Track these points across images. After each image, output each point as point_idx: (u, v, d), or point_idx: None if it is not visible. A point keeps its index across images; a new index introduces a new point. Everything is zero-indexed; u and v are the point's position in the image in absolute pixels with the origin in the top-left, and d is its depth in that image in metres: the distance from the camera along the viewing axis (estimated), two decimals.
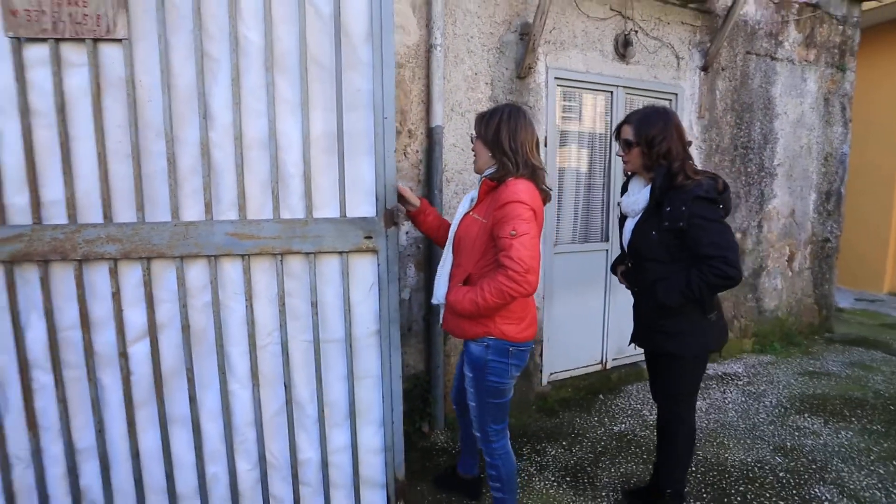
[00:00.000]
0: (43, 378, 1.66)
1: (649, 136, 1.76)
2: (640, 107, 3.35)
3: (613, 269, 2.16)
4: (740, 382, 3.49)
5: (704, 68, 3.53)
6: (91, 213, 1.61)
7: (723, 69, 3.66)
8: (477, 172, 1.81)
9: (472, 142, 1.81)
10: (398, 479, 1.84)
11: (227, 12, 1.56)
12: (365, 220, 1.68)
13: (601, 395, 3.27)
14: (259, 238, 1.65)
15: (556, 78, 3.00)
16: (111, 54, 1.55)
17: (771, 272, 4.19)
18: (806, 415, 3.02)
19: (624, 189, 2.00)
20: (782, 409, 3.09)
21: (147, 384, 1.70)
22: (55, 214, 1.60)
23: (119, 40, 1.53)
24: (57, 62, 1.53)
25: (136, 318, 1.67)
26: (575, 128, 3.18)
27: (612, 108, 3.24)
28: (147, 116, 1.58)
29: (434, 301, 1.84)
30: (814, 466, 2.48)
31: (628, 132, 1.84)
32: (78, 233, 1.59)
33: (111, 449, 1.72)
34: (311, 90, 1.63)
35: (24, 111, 1.53)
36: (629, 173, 1.96)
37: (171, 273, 1.66)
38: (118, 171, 1.60)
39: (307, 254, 1.68)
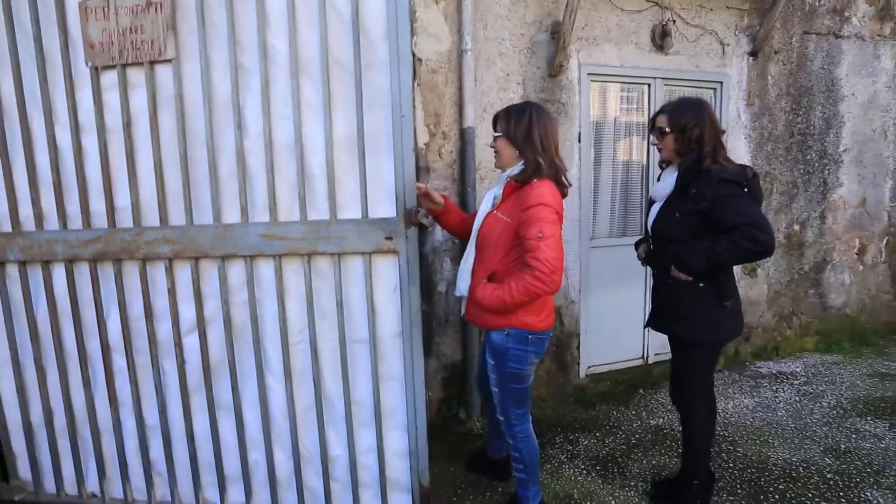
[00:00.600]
0: (120, 361, 1.92)
1: (682, 123, 1.80)
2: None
3: (636, 246, 2.18)
4: (797, 382, 3.29)
5: (753, 53, 3.35)
6: (151, 216, 1.80)
7: (775, 52, 3.45)
8: (499, 169, 1.87)
9: (493, 139, 1.85)
10: (423, 484, 1.85)
11: (256, 23, 1.65)
12: (385, 220, 1.68)
13: (641, 390, 3.23)
14: (287, 239, 1.72)
15: (589, 74, 3.00)
16: (164, 74, 1.72)
17: (837, 266, 3.88)
18: (869, 417, 2.80)
19: (659, 180, 2.04)
20: (841, 411, 2.88)
21: (198, 373, 1.86)
22: (124, 219, 1.81)
23: (169, 61, 1.70)
24: (124, 85, 1.73)
25: (187, 312, 1.83)
26: (611, 122, 3.16)
27: (650, 100, 3.18)
28: (193, 128, 1.73)
29: (457, 293, 1.93)
30: (869, 470, 2.32)
31: (663, 121, 1.87)
32: (141, 235, 1.78)
33: (172, 428, 1.93)
34: (333, 92, 1.66)
35: (101, 129, 1.77)
36: (663, 164, 2.00)
37: (215, 272, 1.79)
38: (171, 178, 1.76)
39: (332, 254, 1.72)
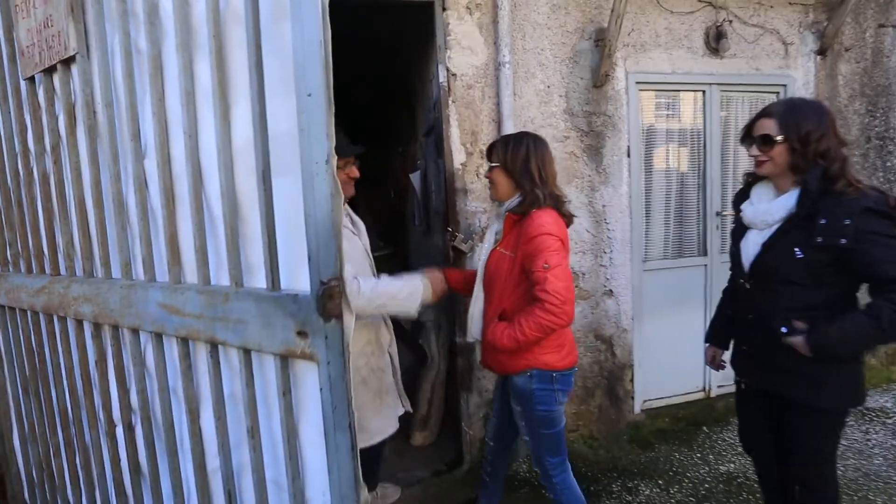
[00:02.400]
0: (70, 437, 1.57)
1: (803, 131, 1.39)
2: (740, 104, 2.96)
3: (708, 340, 1.84)
4: (889, 420, 2.85)
5: (821, 52, 3.00)
6: (79, 264, 1.37)
7: (846, 49, 3.08)
8: (496, 200, 1.77)
9: (489, 170, 1.74)
10: None
11: None
12: (296, 300, 0.90)
13: (705, 428, 2.87)
14: (184, 315, 1.08)
15: (637, 83, 2.73)
16: (76, 75, 1.25)
17: None
18: None
19: (742, 196, 1.63)
20: None
21: (128, 475, 1.39)
22: (63, 265, 1.43)
23: (74, 57, 1.21)
24: (50, 96, 1.35)
25: (115, 394, 1.36)
26: (663, 134, 2.87)
27: (705, 107, 2.87)
28: (105, 146, 1.23)
29: (470, 338, 1.81)
30: None
31: (769, 126, 1.45)
32: (69, 288, 1.36)
33: None
34: (230, 67, 0.98)
35: (39, 154, 1.44)
36: (749, 179, 1.61)
37: (134, 345, 1.26)
38: (92, 214, 1.31)
39: (236, 347, 1.03)
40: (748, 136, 1.55)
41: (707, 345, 1.84)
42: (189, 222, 1.09)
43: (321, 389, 0.90)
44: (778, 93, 2.99)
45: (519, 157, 1.65)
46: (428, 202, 3.25)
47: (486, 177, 1.76)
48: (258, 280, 1.00)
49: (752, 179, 1.61)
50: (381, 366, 1.88)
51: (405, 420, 3.08)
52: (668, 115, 2.86)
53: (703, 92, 2.86)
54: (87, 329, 1.38)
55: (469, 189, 2.53)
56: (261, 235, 0.96)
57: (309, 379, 0.95)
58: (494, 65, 2.52)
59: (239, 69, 0.97)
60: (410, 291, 1.69)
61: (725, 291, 1.80)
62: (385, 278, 1.70)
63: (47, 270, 1.50)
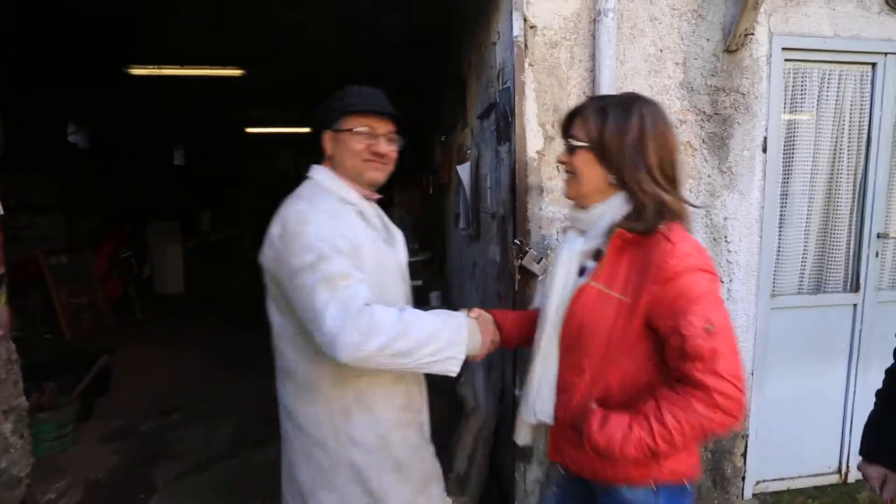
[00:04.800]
0: None
1: None
2: None
3: (868, 454, 1.22)
4: None
5: None
6: None
7: None
8: (574, 201, 1.10)
9: (568, 151, 1.07)
10: None
11: None
12: None
13: None
14: None
15: (783, 49, 1.95)
16: None
17: None
18: None
19: None
20: None
21: None
22: None
23: None
24: None
25: None
26: (810, 121, 2.07)
27: (873, 87, 2.06)
28: None
29: (531, 420, 1.12)
30: None
31: None
32: None
33: None
34: None
35: None
36: None
37: None
38: None
39: None
40: None
41: (862, 460, 1.24)
42: None
43: None
44: None
45: (629, 133, 1.00)
46: (478, 201, 2.55)
47: (562, 162, 1.11)
48: None
49: None
50: (423, 441, 1.26)
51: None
52: (819, 95, 2.06)
53: (873, 66, 2.04)
54: None
55: (546, 187, 1.80)
56: None
57: None
58: (590, 15, 1.79)
59: None
60: (451, 336, 1.05)
61: None
62: (413, 311, 1.07)
63: None
